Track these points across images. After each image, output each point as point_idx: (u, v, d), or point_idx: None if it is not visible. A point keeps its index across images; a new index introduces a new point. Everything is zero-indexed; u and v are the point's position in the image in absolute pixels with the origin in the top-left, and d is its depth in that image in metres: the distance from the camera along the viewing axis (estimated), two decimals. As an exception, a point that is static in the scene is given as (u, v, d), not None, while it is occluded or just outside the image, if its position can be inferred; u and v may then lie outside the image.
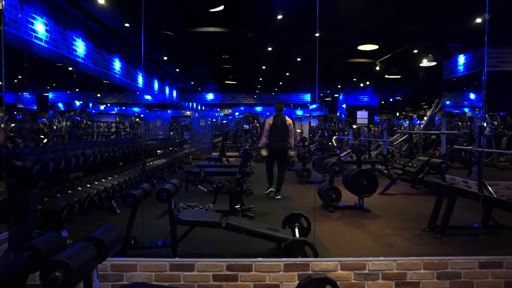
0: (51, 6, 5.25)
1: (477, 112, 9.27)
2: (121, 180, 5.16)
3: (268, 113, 20.57)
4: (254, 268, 2.81)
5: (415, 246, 3.83)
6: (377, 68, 10.46)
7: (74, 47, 6.00)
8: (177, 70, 12.90)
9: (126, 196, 3.35)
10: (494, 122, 9.32)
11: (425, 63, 9.08)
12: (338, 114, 17.62)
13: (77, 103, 8.68)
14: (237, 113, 20.26)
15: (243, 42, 8.75)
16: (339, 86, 16.10)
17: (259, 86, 16.64)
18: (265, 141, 6.36)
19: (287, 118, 6.41)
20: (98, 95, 9.51)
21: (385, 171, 7.31)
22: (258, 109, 19.24)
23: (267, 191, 6.30)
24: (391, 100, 18.52)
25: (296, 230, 3.54)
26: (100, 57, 7.16)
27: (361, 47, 8.76)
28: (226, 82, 15.31)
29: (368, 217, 5.02)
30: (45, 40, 5.05)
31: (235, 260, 2.84)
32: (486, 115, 9.08)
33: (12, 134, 5.68)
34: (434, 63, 9.08)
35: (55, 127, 7.50)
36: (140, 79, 9.76)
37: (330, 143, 12.71)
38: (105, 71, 7.47)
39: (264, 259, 2.85)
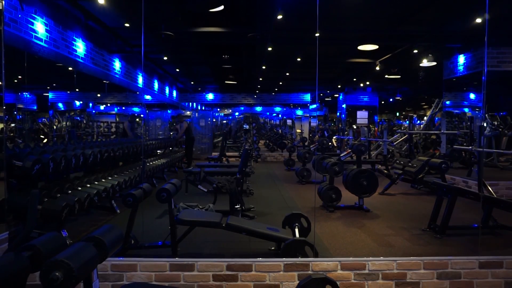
0: (51, 6, 5.25)
1: (477, 112, 9.27)
2: (121, 180, 5.16)
3: (268, 113, 20.58)
4: (254, 268, 2.81)
5: (415, 246, 3.83)
6: (377, 68, 10.46)
7: (74, 47, 6.00)
8: (177, 70, 12.91)
9: (126, 196, 3.35)
10: (494, 122, 9.31)
11: (425, 63, 9.08)
12: (338, 114, 17.62)
13: (77, 103, 8.68)
14: (237, 113, 20.27)
15: (243, 42, 8.75)
16: (339, 86, 16.09)
17: (259, 86, 16.64)
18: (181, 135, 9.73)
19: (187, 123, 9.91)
20: (98, 95, 9.51)
21: (385, 171, 7.31)
22: (258, 109, 19.24)
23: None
24: (391, 100, 18.52)
25: (296, 230, 3.54)
26: (100, 57, 7.15)
27: (361, 47, 8.75)
28: (226, 82, 15.31)
29: (368, 217, 5.02)
30: (45, 40, 5.05)
31: (235, 260, 2.84)
32: (486, 115, 9.08)
33: (12, 134, 5.67)
34: (434, 63, 9.08)
35: (55, 127, 7.50)
36: (140, 79, 9.76)
37: (330, 143, 12.70)
38: (105, 71, 7.47)
39: (264, 259, 2.85)
